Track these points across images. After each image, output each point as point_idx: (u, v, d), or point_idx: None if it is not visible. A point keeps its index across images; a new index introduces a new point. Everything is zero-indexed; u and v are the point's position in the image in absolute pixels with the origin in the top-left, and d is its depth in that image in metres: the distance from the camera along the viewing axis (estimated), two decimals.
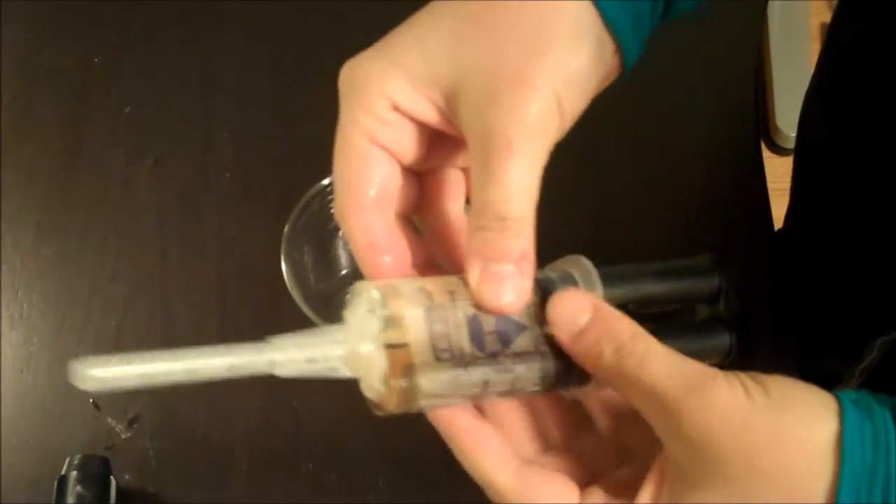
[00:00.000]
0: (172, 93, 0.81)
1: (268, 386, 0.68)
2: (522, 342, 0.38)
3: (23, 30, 0.83)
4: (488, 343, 0.37)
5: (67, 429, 0.67)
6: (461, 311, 0.37)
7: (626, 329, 0.37)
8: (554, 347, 0.38)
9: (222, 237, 0.75)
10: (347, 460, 0.66)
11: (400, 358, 0.36)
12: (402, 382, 0.36)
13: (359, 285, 0.38)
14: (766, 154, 1.64)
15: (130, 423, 0.67)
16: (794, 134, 1.61)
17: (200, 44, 0.83)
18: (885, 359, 0.78)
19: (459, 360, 0.36)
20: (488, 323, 0.37)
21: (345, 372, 0.36)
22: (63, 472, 0.60)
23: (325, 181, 0.62)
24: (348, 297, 0.38)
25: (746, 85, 0.81)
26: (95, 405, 0.67)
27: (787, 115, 1.63)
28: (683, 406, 0.35)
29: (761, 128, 1.66)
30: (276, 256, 0.74)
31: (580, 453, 0.41)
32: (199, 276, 0.73)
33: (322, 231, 0.64)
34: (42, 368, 0.69)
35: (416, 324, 0.36)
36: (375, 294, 0.36)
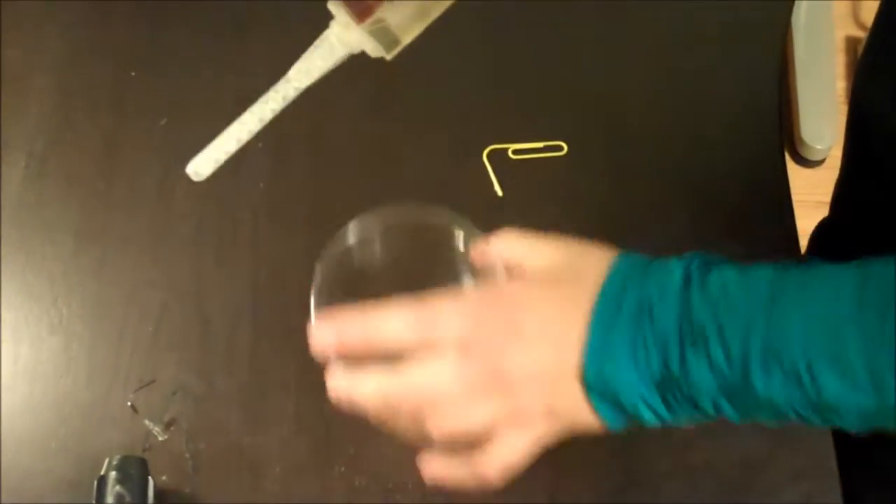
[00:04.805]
0: (206, 105, 0.83)
1: (299, 393, 0.70)
2: None
3: (62, 45, 0.86)
4: None
5: (106, 432, 0.69)
6: None
7: None
8: None
9: (255, 245, 0.77)
10: (377, 463, 0.67)
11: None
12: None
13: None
14: (792, 166, 1.65)
15: (167, 426, 0.68)
16: (819, 146, 1.62)
17: (233, 57, 0.85)
18: None
19: None
20: None
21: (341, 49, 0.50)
22: (102, 473, 0.62)
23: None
24: None
25: (770, 94, 0.82)
26: (133, 408, 0.69)
27: (812, 127, 1.64)
28: None
29: (786, 140, 1.66)
30: (307, 264, 0.76)
31: None
32: (233, 283, 0.75)
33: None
34: (81, 373, 0.71)
35: None
36: None
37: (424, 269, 0.59)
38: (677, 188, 0.78)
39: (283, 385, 0.70)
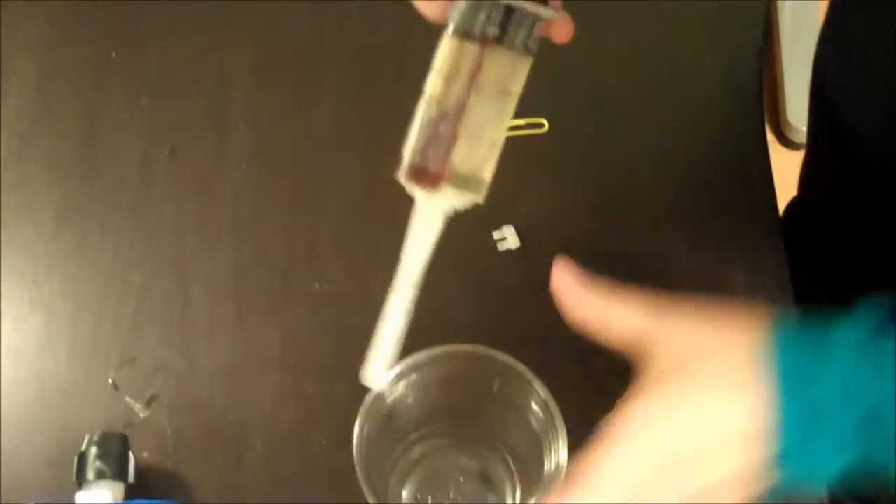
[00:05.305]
0: (188, 85, 0.83)
1: (281, 369, 0.70)
2: None
3: (43, 26, 0.86)
4: None
5: (87, 410, 0.69)
6: None
7: None
8: None
9: (237, 224, 0.77)
10: None
11: None
12: None
13: None
14: (778, 149, 1.65)
15: (148, 403, 0.68)
16: (804, 128, 1.62)
17: (216, 37, 0.85)
18: None
19: None
20: None
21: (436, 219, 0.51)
22: (83, 449, 0.62)
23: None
24: None
25: (752, 70, 0.82)
26: (115, 386, 0.69)
27: (798, 110, 1.64)
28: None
29: (772, 123, 1.67)
30: (289, 243, 0.76)
31: None
32: (215, 262, 0.75)
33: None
34: (62, 351, 0.71)
35: None
36: None
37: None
38: (659, 164, 0.79)
39: (265, 362, 0.70)
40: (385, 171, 0.78)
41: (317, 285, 0.73)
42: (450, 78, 0.45)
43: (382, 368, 0.55)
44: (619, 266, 0.73)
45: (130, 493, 0.62)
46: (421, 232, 0.52)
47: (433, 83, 0.47)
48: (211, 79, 0.83)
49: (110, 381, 0.69)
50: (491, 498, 0.65)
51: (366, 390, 0.56)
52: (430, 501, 0.65)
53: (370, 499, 0.55)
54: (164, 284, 0.74)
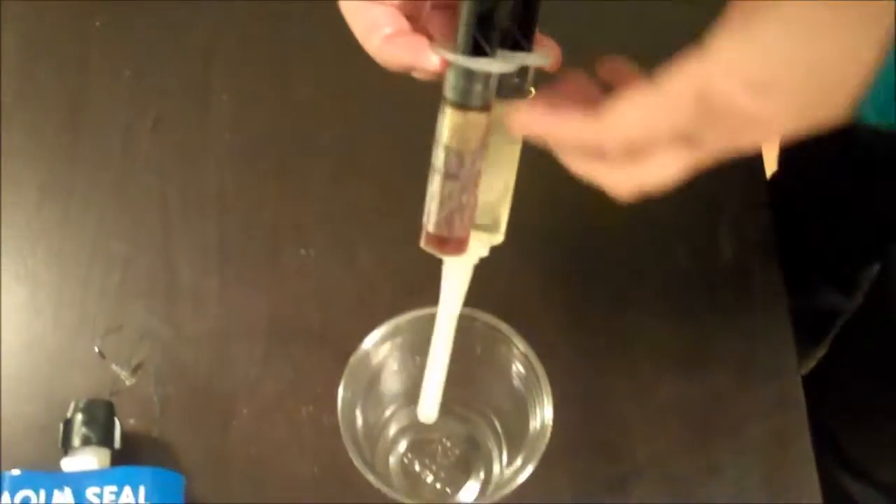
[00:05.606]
0: (171, 56, 0.83)
1: (267, 336, 0.70)
2: None
3: None
4: None
5: (73, 377, 0.68)
6: None
7: None
8: None
9: (221, 196, 0.77)
10: None
11: None
12: None
13: None
14: None
15: (135, 371, 0.68)
16: None
17: (199, 7, 0.85)
18: (874, 291, 0.78)
19: None
20: None
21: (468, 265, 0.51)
22: (69, 416, 0.62)
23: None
24: None
25: None
26: (101, 354, 0.69)
27: None
28: None
29: None
30: (273, 211, 0.76)
31: None
32: (200, 231, 0.75)
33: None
34: (48, 320, 0.71)
35: None
36: None
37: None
38: None
39: (250, 329, 0.70)
40: (368, 137, 0.79)
41: (303, 252, 0.73)
42: (462, 152, 0.44)
43: (433, 403, 0.58)
44: (605, 230, 0.73)
45: (116, 459, 0.62)
46: (453, 280, 0.52)
47: (447, 160, 0.45)
48: (194, 50, 0.83)
49: (96, 349, 0.69)
50: (477, 460, 0.65)
51: None
52: (417, 466, 0.66)
53: (357, 463, 0.55)
54: (149, 254, 0.74)
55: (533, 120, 0.42)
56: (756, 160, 0.78)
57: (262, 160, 0.78)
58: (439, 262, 0.71)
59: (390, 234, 0.74)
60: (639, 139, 0.39)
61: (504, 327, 0.58)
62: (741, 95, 0.36)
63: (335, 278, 0.72)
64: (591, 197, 0.74)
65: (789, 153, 0.90)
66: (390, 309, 0.60)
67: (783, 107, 0.36)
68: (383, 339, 0.59)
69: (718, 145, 0.39)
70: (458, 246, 0.48)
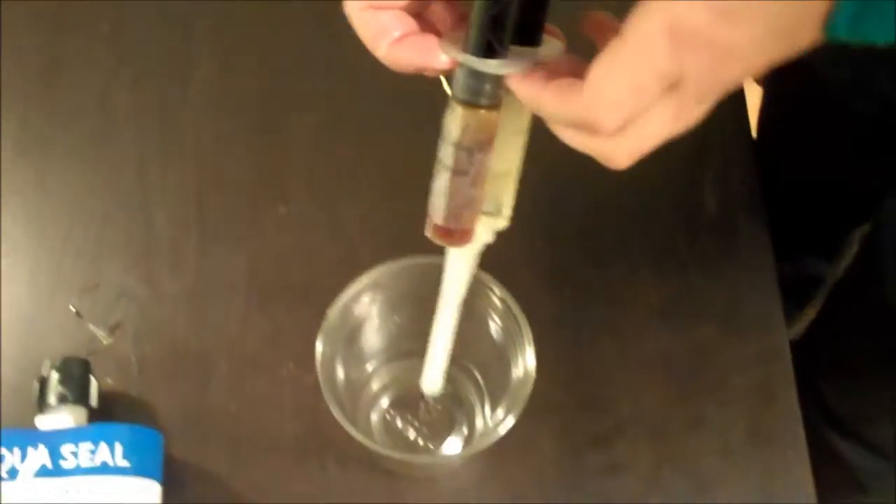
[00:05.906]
0: (150, 10, 0.81)
1: (247, 293, 0.69)
2: None
3: None
4: None
5: (50, 338, 0.67)
6: None
7: None
8: None
9: (201, 151, 0.75)
10: None
11: None
12: None
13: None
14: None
15: (112, 330, 0.67)
16: None
17: None
18: (863, 255, 0.78)
19: None
20: None
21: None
22: (44, 374, 0.61)
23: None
24: None
25: None
26: (78, 314, 0.67)
27: None
28: None
29: None
30: (252, 169, 0.75)
31: None
32: (178, 190, 0.74)
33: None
34: (23, 280, 0.70)
35: None
36: None
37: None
38: None
39: (230, 286, 0.69)
40: (350, 92, 0.78)
41: (283, 209, 0.72)
42: (471, 149, 0.43)
43: (437, 378, 0.57)
44: (589, 184, 0.72)
45: (93, 418, 0.61)
46: (458, 266, 0.51)
47: (457, 157, 0.43)
48: (174, 6, 0.82)
49: (72, 308, 0.68)
50: (460, 415, 0.64)
51: None
52: (399, 422, 0.65)
53: (338, 416, 0.55)
54: (126, 213, 0.72)
55: (529, 95, 0.41)
56: (742, 115, 0.77)
57: (242, 116, 0.77)
58: (421, 219, 0.71)
59: (372, 191, 0.73)
60: (632, 108, 0.38)
61: (482, 276, 0.57)
62: (711, 24, 0.35)
63: (316, 235, 0.71)
64: (575, 153, 0.73)
65: (772, 110, 0.89)
66: (372, 266, 0.59)
67: (758, 31, 0.35)
68: (362, 292, 0.59)
69: (701, 80, 0.37)
70: (465, 236, 0.47)
